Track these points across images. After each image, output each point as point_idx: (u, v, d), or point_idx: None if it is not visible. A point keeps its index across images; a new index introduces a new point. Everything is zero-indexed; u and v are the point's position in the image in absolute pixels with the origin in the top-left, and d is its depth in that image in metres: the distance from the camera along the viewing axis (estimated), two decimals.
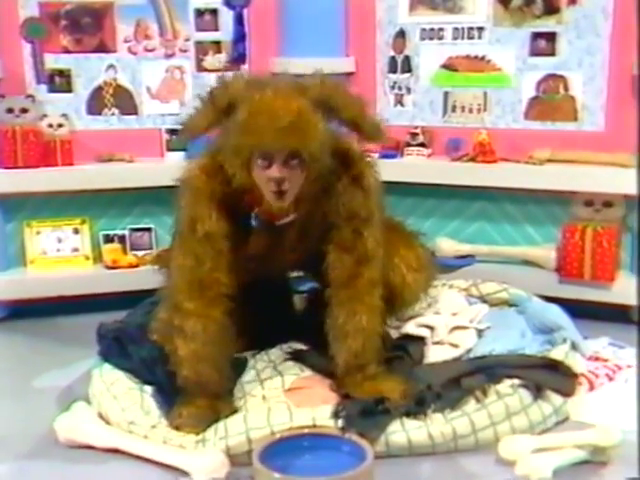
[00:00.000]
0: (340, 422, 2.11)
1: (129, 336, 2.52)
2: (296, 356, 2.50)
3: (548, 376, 2.28)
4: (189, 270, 2.18)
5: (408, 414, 2.15)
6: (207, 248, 2.16)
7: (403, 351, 2.44)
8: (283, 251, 2.31)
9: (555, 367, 2.32)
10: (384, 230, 2.31)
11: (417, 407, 2.17)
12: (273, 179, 2.03)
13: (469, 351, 2.47)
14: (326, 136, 2.08)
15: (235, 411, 2.22)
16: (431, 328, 2.53)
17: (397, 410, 2.15)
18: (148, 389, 2.35)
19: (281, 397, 2.28)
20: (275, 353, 2.53)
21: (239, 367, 2.42)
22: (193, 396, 2.21)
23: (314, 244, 2.28)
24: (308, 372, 2.41)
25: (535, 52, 3.09)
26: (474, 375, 2.28)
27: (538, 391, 2.23)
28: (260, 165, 2.05)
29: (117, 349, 2.49)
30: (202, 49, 3.30)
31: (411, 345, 2.47)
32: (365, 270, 2.24)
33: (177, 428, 2.17)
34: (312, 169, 2.08)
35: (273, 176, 2.03)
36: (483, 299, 2.83)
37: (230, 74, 2.23)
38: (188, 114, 2.14)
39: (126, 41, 3.23)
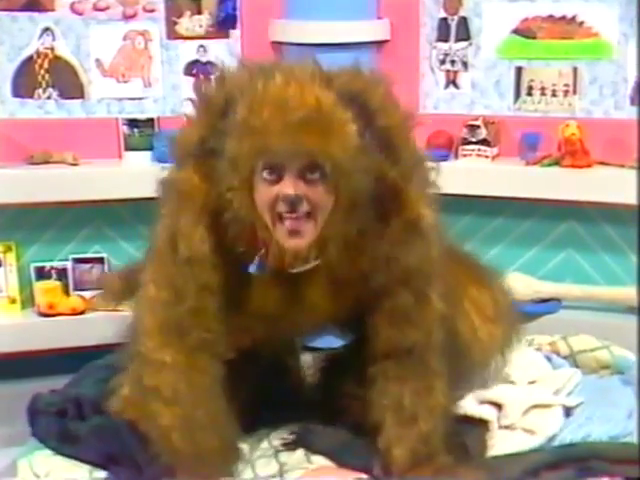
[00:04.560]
0: None
1: (75, 411, 2.50)
2: (301, 439, 2.45)
3: None
4: (163, 306, 2.18)
5: None
6: (188, 279, 2.15)
7: (457, 439, 2.39)
8: (302, 312, 2.27)
9: None
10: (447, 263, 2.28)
11: None
12: (284, 197, 1.97)
13: (552, 439, 2.43)
14: (359, 145, 2.02)
15: None
16: (498, 406, 2.50)
17: None
18: (101, 475, 2.31)
19: None
20: (278, 437, 2.49)
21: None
22: None
23: (350, 309, 2.27)
24: (319, 460, 2.38)
25: None
26: (559, 469, 2.25)
27: None
28: (266, 179, 2.00)
29: (58, 428, 2.46)
30: (175, 8, 3.29)
31: (469, 431, 2.43)
32: (434, 337, 2.25)
33: None
34: (341, 191, 2.02)
35: (284, 193, 1.97)
36: (574, 359, 2.81)
37: (232, 67, 2.23)
38: (181, 127, 2.15)
39: None
